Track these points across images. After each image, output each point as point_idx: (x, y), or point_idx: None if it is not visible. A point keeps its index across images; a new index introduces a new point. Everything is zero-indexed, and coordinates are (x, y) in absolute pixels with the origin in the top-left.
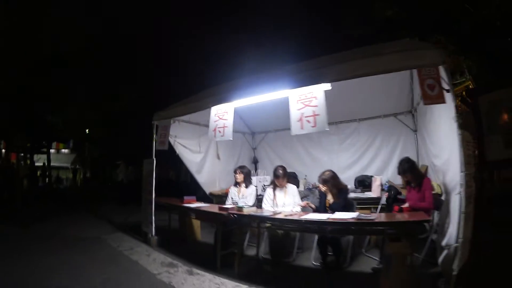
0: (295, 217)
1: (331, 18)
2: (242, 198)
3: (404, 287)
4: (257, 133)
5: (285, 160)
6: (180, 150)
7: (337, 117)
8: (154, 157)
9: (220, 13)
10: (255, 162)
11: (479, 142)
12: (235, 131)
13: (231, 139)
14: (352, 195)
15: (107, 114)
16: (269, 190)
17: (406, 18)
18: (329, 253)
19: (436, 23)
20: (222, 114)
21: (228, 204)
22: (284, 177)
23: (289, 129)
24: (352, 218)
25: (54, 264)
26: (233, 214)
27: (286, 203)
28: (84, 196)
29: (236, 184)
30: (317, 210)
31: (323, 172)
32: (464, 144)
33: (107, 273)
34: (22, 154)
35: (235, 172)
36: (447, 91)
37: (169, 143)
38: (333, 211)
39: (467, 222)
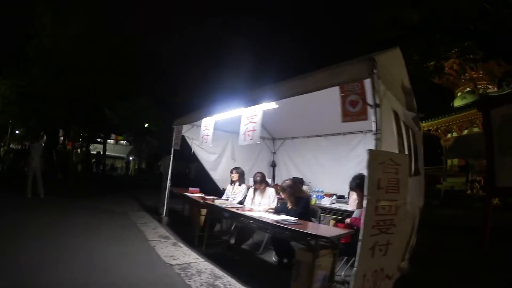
0: (239, 211)
1: (361, 23)
2: (233, 194)
3: None
4: (277, 139)
5: (297, 166)
6: (196, 150)
7: (345, 129)
8: (171, 154)
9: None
10: (273, 166)
11: (489, 164)
12: None
13: (259, 142)
14: (328, 205)
15: (168, 108)
16: (251, 191)
17: (434, 22)
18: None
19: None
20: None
21: (222, 198)
22: (261, 182)
23: (302, 137)
24: (272, 220)
25: (81, 222)
26: (205, 202)
27: (261, 203)
28: (131, 183)
29: (232, 182)
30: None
31: (284, 181)
32: (375, 164)
33: (116, 232)
34: (79, 143)
35: (231, 172)
36: (371, 106)
37: (188, 144)
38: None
39: (364, 252)
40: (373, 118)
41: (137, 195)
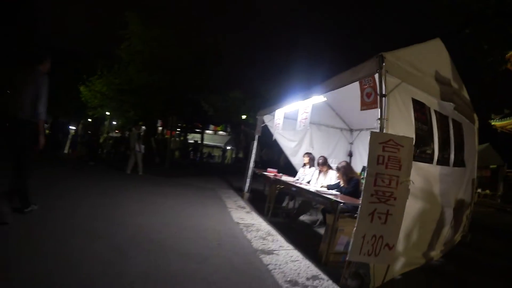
0: (292, 183)
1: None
2: (303, 175)
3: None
4: (354, 130)
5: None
6: (277, 137)
7: None
8: (255, 140)
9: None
10: (350, 155)
11: None
12: (332, 127)
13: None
14: None
15: (264, 101)
16: (316, 172)
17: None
18: None
19: None
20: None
21: (295, 179)
22: (323, 164)
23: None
24: (315, 190)
25: (173, 192)
26: (275, 178)
27: (324, 183)
28: (226, 169)
29: (304, 164)
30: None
31: (340, 162)
32: (377, 144)
33: (202, 200)
34: (177, 132)
35: (303, 156)
36: (380, 96)
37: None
38: (341, 193)
39: (362, 216)
40: (379, 106)
41: (227, 178)
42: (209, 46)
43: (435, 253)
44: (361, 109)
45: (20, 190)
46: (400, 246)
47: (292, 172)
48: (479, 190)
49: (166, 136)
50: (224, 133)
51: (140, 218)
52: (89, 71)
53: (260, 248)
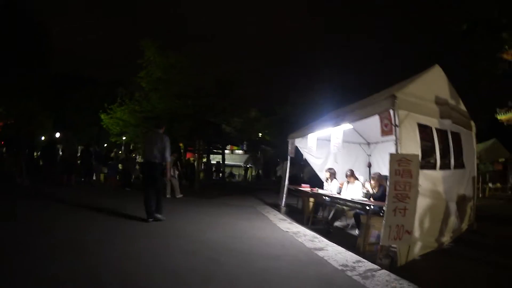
0: (331, 195)
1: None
2: (330, 188)
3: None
4: (371, 143)
5: (386, 165)
6: (306, 156)
7: None
8: (288, 161)
9: None
10: (369, 166)
11: None
12: (352, 142)
13: (341, 150)
14: None
15: (278, 118)
16: (345, 183)
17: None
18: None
19: None
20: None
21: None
22: (350, 176)
23: (390, 140)
24: (352, 198)
25: (215, 210)
26: (313, 192)
27: (352, 192)
28: (250, 187)
29: (326, 179)
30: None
31: (374, 172)
32: (394, 161)
33: (246, 216)
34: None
35: (325, 171)
36: (394, 126)
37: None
38: (373, 198)
39: (388, 212)
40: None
41: (257, 195)
42: (230, 72)
43: (445, 239)
44: (381, 136)
45: (158, 202)
46: (416, 233)
47: (314, 185)
48: (490, 185)
49: (188, 158)
50: (240, 151)
51: (208, 234)
52: (107, 98)
53: (312, 247)
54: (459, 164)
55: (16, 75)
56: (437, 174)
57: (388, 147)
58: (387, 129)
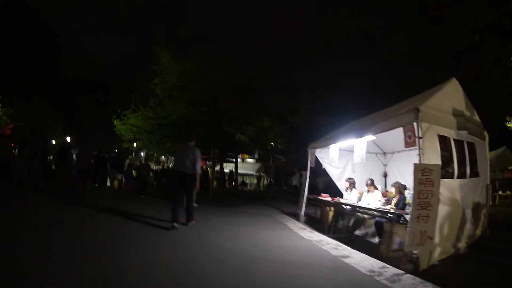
0: (353, 204)
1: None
2: (350, 198)
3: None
4: (387, 153)
5: (402, 174)
6: (325, 166)
7: None
8: (308, 171)
9: None
10: (385, 176)
11: None
12: (368, 152)
13: (365, 161)
14: None
15: (288, 128)
16: (365, 192)
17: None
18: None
19: None
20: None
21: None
22: (371, 185)
23: (405, 150)
24: (373, 206)
25: (236, 219)
26: (334, 201)
27: (370, 201)
28: (263, 196)
29: (346, 188)
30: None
31: (395, 182)
32: (418, 171)
33: (267, 225)
34: (214, 162)
35: (345, 181)
36: (418, 138)
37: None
38: (395, 206)
39: (413, 219)
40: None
41: (273, 204)
42: (245, 80)
43: (461, 244)
44: (405, 147)
45: (189, 210)
46: (436, 239)
47: (330, 194)
48: (500, 192)
49: (203, 167)
50: (251, 160)
51: (232, 242)
52: (119, 103)
53: (337, 254)
54: (474, 173)
55: (22, 75)
56: (454, 183)
57: (403, 157)
58: (410, 140)
